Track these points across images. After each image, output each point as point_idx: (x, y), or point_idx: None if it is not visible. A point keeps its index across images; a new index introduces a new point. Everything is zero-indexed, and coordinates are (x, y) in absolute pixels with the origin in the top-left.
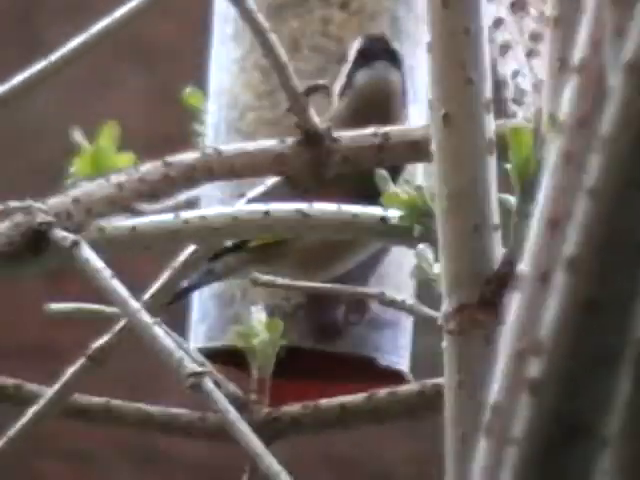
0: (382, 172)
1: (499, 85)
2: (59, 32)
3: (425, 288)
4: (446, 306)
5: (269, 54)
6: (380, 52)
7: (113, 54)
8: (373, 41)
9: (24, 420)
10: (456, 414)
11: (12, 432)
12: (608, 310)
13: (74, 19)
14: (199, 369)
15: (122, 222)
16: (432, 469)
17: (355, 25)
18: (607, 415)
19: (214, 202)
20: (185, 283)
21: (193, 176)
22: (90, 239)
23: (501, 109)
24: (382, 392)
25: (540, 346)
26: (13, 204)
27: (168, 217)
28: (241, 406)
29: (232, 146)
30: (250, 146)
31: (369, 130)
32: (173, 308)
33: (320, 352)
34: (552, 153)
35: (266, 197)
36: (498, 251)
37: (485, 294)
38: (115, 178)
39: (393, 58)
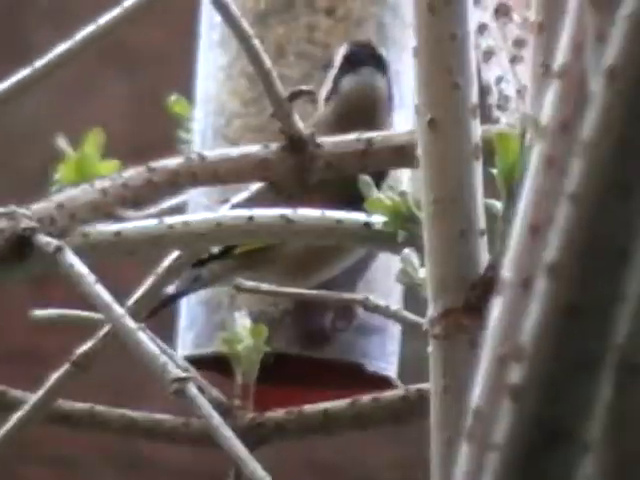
0: (365, 178)
1: (483, 91)
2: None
3: (413, 293)
4: (431, 311)
5: (253, 60)
6: (366, 58)
7: (98, 60)
8: (359, 47)
9: (8, 426)
10: (441, 418)
11: None
12: (589, 315)
13: (60, 21)
14: (183, 374)
15: (106, 227)
16: (416, 474)
17: (341, 31)
18: (588, 420)
19: (200, 208)
20: (171, 290)
21: (177, 182)
22: (74, 244)
23: (485, 115)
24: (365, 398)
25: (521, 351)
26: None
27: (152, 222)
28: (225, 412)
29: (216, 152)
30: (234, 152)
31: (352, 136)
32: (160, 315)
33: (307, 358)
34: (534, 157)
35: (250, 203)
36: (484, 256)
37: (470, 299)
38: (99, 184)
39: (379, 64)
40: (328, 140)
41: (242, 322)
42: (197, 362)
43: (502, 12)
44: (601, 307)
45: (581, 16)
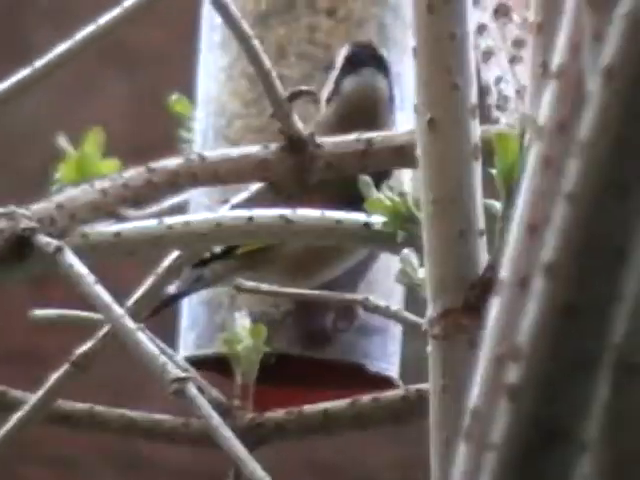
0: (365, 178)
1: (482, 91)
2: (44, 35)
3: (415, 294)
4: (431, 311)
5: (254, 61)
6: (367, 59)
7: (98, 60)
8: (360, 48)
9: (8, 426)
10: (440, 418)
11: None
12: (586, 315)
13: (60, 22)
14: (183, 375)
15: (106, 228)
16: (416, 474)
17: (342, 32)
18: (585, 420)
19: (201, 208)
20: (172, 290)
21: (177, 182)
22: (74, 245)
23: (484, 115)
24: (365, 398)
25: (519, 351)
26: None
27: (152, 223)
28: (225, 412)
29: (216, 152)
30: (234, 152)
31: (352, 136)
32: (162, 316)
33: (309, 359)
34: (531, 158)
35: (250, 203)
36: (483, 256)
37: (469, 299)
38: (99, 184)
39: (380, 65)
40: (328, 140)
41: (242, 322)
42: (199, 363)
43: (501, 12)
44: (598, 307)
45: (578, 16)
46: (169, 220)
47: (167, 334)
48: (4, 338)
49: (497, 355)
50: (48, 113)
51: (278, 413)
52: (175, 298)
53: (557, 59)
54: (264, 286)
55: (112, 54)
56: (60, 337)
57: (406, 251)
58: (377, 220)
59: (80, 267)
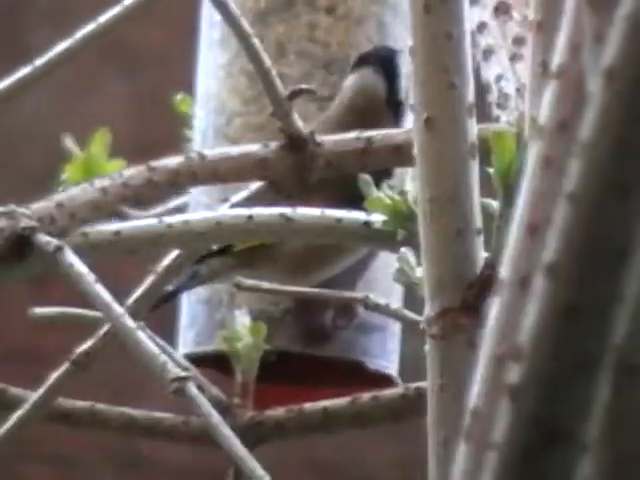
0: (365, 177)
1: (483, 89)
2: (44, 35)
3: (413, 292)
4: (428, 310)
5: (253, 59)
6: (371, 58)
7: (98, 59)
8: (377, 48)
9: (8, 425)
10: (438, 418)
11: None
12: (587, 316)
13: (59, 22)
14: (183, 374)
15: (106, 227)
16: (416, 473)
17: (342, 30)
18: (586, 420)
19: (201, 207)
20: (170, 287)
21: (177, 181)
22: (74, 244)
23: (485, 113)
24: (365, 396)
25: (519, 351)
26: None
27: (152, 222)
28: (224, 410)
29: (216, 151)
30: (234, 151)
31: (352, 134)
32: (162, 313)
33: (309, 356)
34: (532, 157)
35: (250, 202)
36: (480, 255)
37: (467, 298)
38: (99, 183)
39: (382, 65)
40: (328, 139)
41: (242, 320)
42: (198, 360)
43: (502, 10)
44: (599, 307)
45: (578, 16)
46: (169, 219)
47: (166, 331)
48: (4, 337)
49: (497, 355)
50: (48, 112)
51: (278, 411)
52: (171, 295)
53: (557, 59)
54: (264, 284)
55: (112, 53)
56: (60, 336)
57: (404, 250)
58: (377, 219)
59: (80, 266)
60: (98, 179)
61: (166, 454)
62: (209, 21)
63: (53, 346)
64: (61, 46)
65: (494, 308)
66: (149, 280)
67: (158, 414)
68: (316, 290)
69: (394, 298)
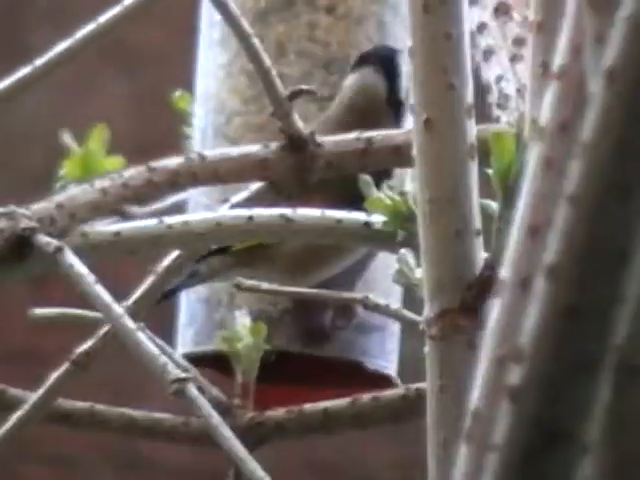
0: (365, 177)
1: (483, 90)
2: (44, 35)
3: (412, 293)
4: (428, 311)
5: (253, 59)
6: (373, 58)
7: (98, 58)
8: (378, 48)
9: (8, 425)
10: (438, 419)
11: None
12: (588, 317)
13: (59, 22)
14: (183, 375)
15: (105, 227)
16: (416, 474)
17: (342, 30)
18: (587, 421)
19: (200, 208)
20: (169, 286)
21: (177, 181)
22: (74, 244)
23: (485, 114)
24: (365, 397)
25: (520, 353)
26: None
27: (152, 222)
28: (225, 411)
29: (216, 151)
30: (234, 151)
31: (352, 135)
32: (161, 312)
33: (308, 357)
34: (532, 159)
35: (250, 202)
36: (480, 256)
37: (466, 299)
38: (99, 183)
39: (385, 65)
40: (328, 139)
41: (242, 321)
42: (197, 360)
43: (502, 11)
44: (600, 309)
45: (579, 17)
46: (169, 220)
47: (165, 330)
48: (4, 337)
49: (498, 356)
50: (48, 112)
51: (278, 412)
52: (170, 293)
53: (558, 60)
54: (263, 284)
55: (112, 52)
56: (60, 337)
57: (403, 251)
58: (377, 219)
59: (80, 267)
60: (98, 180)
61: (166, 455)
62: (209, 21)
63: (53, 347)
64: (61, 46)
65: (495, 309)
66: (149, 281)
67: (158, 415)
68: (315, 290)
69: (393, 298)
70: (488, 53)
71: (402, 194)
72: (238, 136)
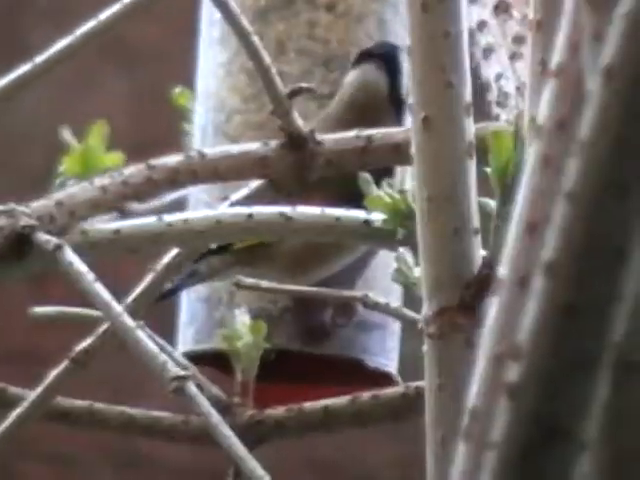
0: (365, 175)
1: (483, 88)
2: (43, 34)
3: (412, 291)
4: (426, 309)
5: (253, 57)
6: (374, 54)
7: (98, 56)
8: (379, 44)
9: (7, 423)
10: (436, 417)
11: None
12: (586, 314)
13: (59, 21)
14: (182, 373)
15: (105, 225)
16: (416, 472)
17: (342, 28)
18: (585, 418)
19: (200, 205)
20: (169, 285)
21: (177, 179)
22: (73, 242)
23: (485, 112)
24: (365, 395)
25: (518, 350)
26: None
27: (151, 220)
28: (224, 409)
29: (216, 149)
30: (234, 149)
31: (352, 133)
32: (161, 311)
33: (308, 355)
34: (530, 156)
35: (249, 200)
36: (478, 255)
37: (465, 297)
38: (99, 181)
39: (387, 62)
40: (328, 137)
41: (241, 319)
42: (197, 358)
43: (502, 9)
44: (598, 306)
45: (577, 15)
46: (168, 217)
47: (165, 329)
48: (4, 336)
49: (496, 354)
50: (48, 110)
51: (278, 410)
52: (170, 292)
53: (556, 58)
54: (264, 283)
55: (112, 50)
56: (60, 335)
57: (401, 250)
58: (377, 217)
59: (80, 265)
60: (98, 177)
61: (165, 453)
62: (209, 19)
63: (53, 345)
64: (61, 44)
65: (493, 307)
66: (148, 278)
67: (157, 413)
68: (315, 288)
69: (393, 297)
70: (488, 51)
71: (402, 192)
72: (238, 134)
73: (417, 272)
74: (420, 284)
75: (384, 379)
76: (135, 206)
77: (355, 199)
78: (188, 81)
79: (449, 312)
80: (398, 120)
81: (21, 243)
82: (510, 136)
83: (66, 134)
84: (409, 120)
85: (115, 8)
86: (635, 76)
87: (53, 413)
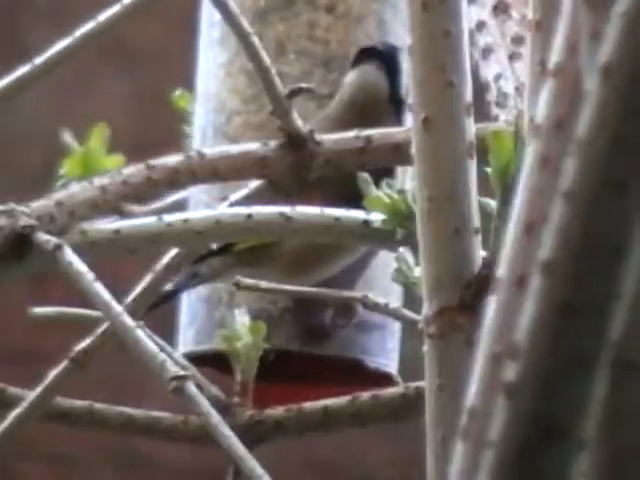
0: (364, 175)
1: (482, 88)
2: (42, 35)
3: (412, 292)
4: (426, 309)
5: (253, 58)
6: (374, 54)
7: (98, 57)
8: (379, 44)
9: (6, 423)
10: (437, 417)
11: None
12: (584, 313)
13: (58, 22)
14: (182, 372)
15: (105, 225)
16: (415, 472)
17: (341, 29)
18: (583, 417)
19: (200, 206)
20: (170, 286)
21: (176, 179)
22: (73, 242)
23: (484, 112)
24: (365, 395)
25: (516, 349)
26: None
27: (151, 220)
28: (224, 409)
29: (215, 149)
30: (233, 149)
31: (351, 133)
32: (161, 312)
33: (308, 355)
34: (528, 156)
35: (249, 200)
36: (478, 254)
37: (465, 297)
38: (98, 181)
39: (386, 62)
40: (328, 137)
41: (241, 319)
42: (198, 359)
43: (501, 9)
44: (596, 305)
45: (575, 14)
46: (168, 217)
47: (166, 330)
48: (4, 336)
49: (494, 353)
50: (47, 111)
51: (277, 410)
52: (171, 294)
53: (554, 57)
54: (263, 283)
55: (111, 51)
56: (60, 335)
57: (402, 250)
58: (376, 218)
59: (79, 264)
60: (97, 177)
61: (165, 453)
62: (209, 20)
63: (53, 345)
64: (60, 45)
65: (491, 307)
66: (148, 278)
67: (157, 413)
68: (315, 289)
69: (393, 297)
70: (487, 51)
71: (401, 192)
72: (238, 135)
73: (417, 272)
74: (420, 284)
75: (384, 380)
76: (135, 209)
77: (354, 199)
78: (188, 82)
79: (449, 312)
80: (398, 120)
81: (21, 243)
82: (511, 136)
83: (67, 136)
84: (409, 120)
85: (114, 9)
86: (633, 73)
87: (53, 413)
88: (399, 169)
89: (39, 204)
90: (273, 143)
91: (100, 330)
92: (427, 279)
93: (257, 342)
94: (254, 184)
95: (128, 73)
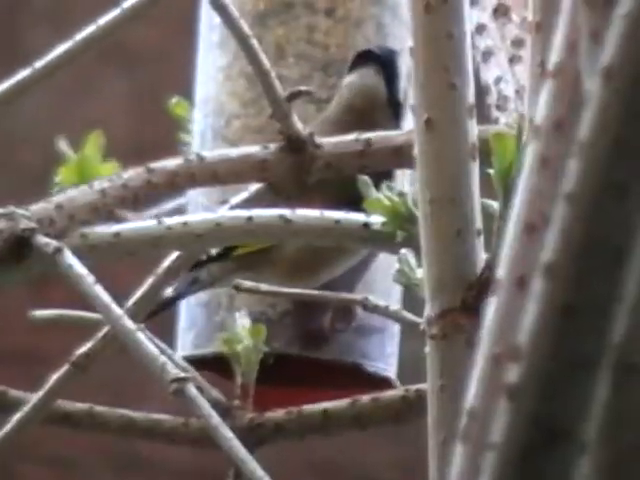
0: (364, 178)
1: (482, 91)
2: (42, 39)
3: (412, 294)
4: (429, 311)
5: (252, 61)
6: (372, 58)
7: (97, 60)
8: (377, 48)
9: (8, 427)
10: (438, 418)
11: None
12: (585, 315)
13: (58, 26)
14: (182, 375)
15: (105, 228)
16: (416, 475)
17: (341, 32)
18: (585, 419)
19: (200, 209)
20: (170, 292)
21: (176, 182)
22: (73, 245)
23: (484, 115)
24: (365, 398)
25: (518, 351)
26: None
27: (151, 223)
28: (224, 412)
29: (215, 152)
30: (233, 152)
31: (351, 136)
32: (161, 316)
33: (307, 359)
34: (528, 157)
35: (249, 203)
36: (481, 256)
37: (467, 299)
38: (98, 184)
39: (385, 65)
40: (327, 140)
41: (241, 322)
42: (197, 362)
43: (501, 12)
44: (597, 307)
45: (575, 15)
46: (168, 221)
47: (165, 334)
48: (5, 339)
49: (494, 355)
50: (47, 114)
51: (278, 413)
52: (172, 301)
53: (554, 58)
54: (263, 286)
55: (111, 54)
56: (60, 338)
57: (404, 251)
58: (376, 220)
59: (79, 267)
60: (97, 181)
61: (166, 455)
62: (208, 24)
63: (53, 348)
64: (60, 48)
65: (491, 308)
66: (148, 282)
67: (158, 416)
68: (315, 292)
69: (393, 300)
70: (487, 54)
71: (401, 195)
72: (237, 138)
73: (419, 273)
74: (422, 285)
75: (383, 384)
76: (133, 216)
77: (354, 202)
78: (187, 84)
79: (452, 313)
80: (396, 124)
81: (21, 246)
82: (513, 138)
83: (62, 144)
84: (407, 123)
85: (114, 13)
86: (635, 76)
87: (54, 416)
88: (399, 172)
89: (39, 207)
90: (273, 146)
91: (101, 334)
92: (429, 280)
93: (257, 345)
94: (254, 187)
95: (128, 76)
